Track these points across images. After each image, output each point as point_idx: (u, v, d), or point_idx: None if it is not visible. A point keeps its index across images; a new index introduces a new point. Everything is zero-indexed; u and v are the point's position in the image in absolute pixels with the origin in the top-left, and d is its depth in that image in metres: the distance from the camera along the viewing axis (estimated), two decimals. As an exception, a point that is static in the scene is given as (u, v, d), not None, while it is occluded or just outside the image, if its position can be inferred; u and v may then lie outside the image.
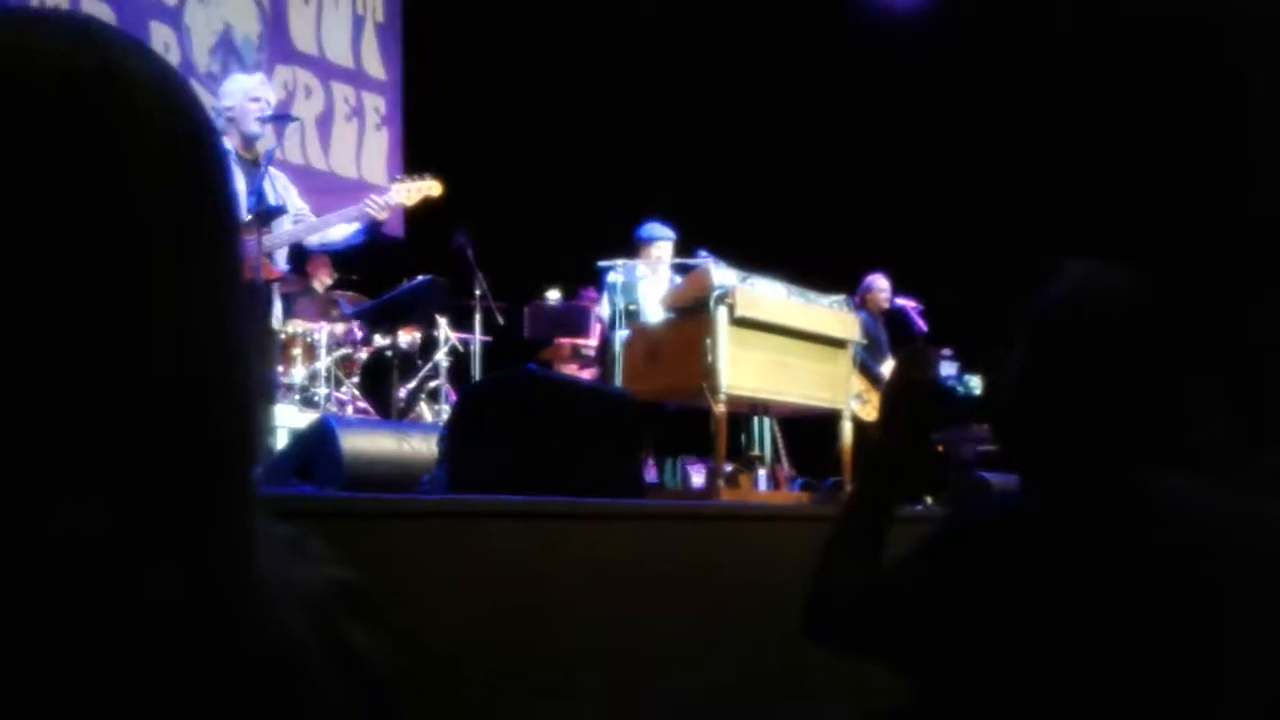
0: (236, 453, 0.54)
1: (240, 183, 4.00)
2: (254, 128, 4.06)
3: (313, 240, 4.28)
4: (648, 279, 5.64)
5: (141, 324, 0.50)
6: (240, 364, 0.55)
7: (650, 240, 5.73)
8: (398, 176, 4.45)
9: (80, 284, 0.48)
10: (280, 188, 4.14)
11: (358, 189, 7.06)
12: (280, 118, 4.20)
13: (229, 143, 4.05)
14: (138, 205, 0.51)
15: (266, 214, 3.96)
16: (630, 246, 5.78)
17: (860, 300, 6.64)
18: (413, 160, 8.39)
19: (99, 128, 0.50)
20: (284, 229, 4.11)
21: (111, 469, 0.48)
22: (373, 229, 4.24)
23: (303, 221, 4.22)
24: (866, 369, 6.25)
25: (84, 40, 0.53)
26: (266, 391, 3.95)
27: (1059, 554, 1.19)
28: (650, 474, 5.46)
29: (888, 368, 6.55)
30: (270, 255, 4.01)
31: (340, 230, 4.23)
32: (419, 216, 7.92)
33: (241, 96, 4.09)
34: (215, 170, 0.56)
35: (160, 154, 0.52)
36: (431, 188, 4.36)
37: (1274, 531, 1.21)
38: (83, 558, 0.46)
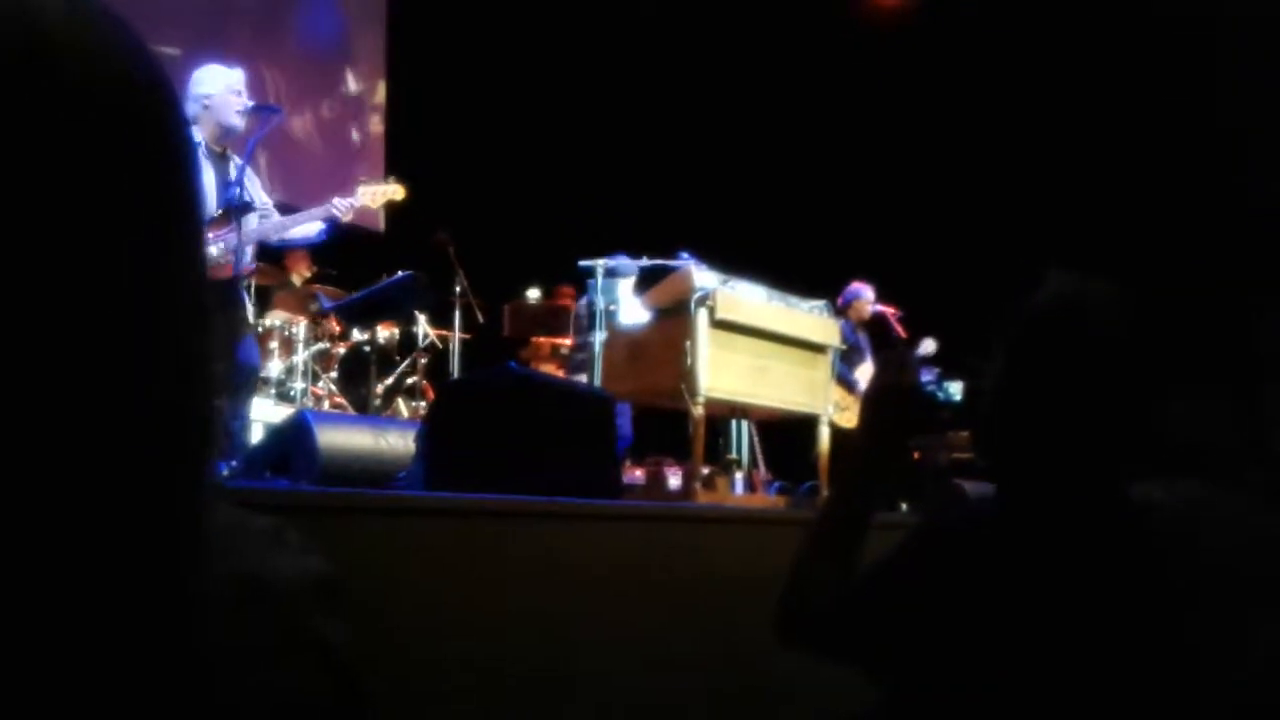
0: (186, 445, 0.51)
1: (209, 176, 3.95)
2: (234, 120, 4.00)
3: (273, 238, 4.26)
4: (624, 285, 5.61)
5: (79, 317, 0.46)
6: (194, 360, 0.51)
7: (609, 274, 5.64)
8: (363, 179, 4.46)
9: (14, 273, 0.44)
10: (247, 182, 4.09)
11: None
12: (264, 108, 4.16)
13: (199, 133, 3.98)
14: (82, 188, 0.46)
15: (237, 209, 3.91)
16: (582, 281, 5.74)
17: (843, 306, 6.64)
18: (395, 156, 8.37)
19: (24, 104, 0.45)
20: (251, 225, 4.07)
21: (63, 461, 0.45)
22: (333, 228, 4.25)
23: (269, 218, 4.18)
24: (843, 378, 6.26)
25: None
26: (227, 387, 3.90)
27: (1036, 561, 1.19)
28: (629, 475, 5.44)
29: (864, 373, 6.58)
30: (237, 251, 3.95)
31: (302, 229, 4.22)
32: (399, 212, 7.92)
33: (222, 87, 4.02)
34: (169, 149, 0.51)
35: (102, 132, 0.47)
36: (395, 191, 4.37)
37: (1259, 538, 1.21)
38: (32, 546, 0.44)
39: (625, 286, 5.57)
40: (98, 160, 0.47)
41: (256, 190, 4.19)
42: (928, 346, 6.60)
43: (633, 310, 5.29)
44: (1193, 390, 1.25)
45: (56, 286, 0.45)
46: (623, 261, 5.67)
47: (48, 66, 0.46)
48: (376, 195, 4.31)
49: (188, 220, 0.52)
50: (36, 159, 0.45)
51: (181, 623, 0.49)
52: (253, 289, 4.94)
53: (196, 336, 0.52)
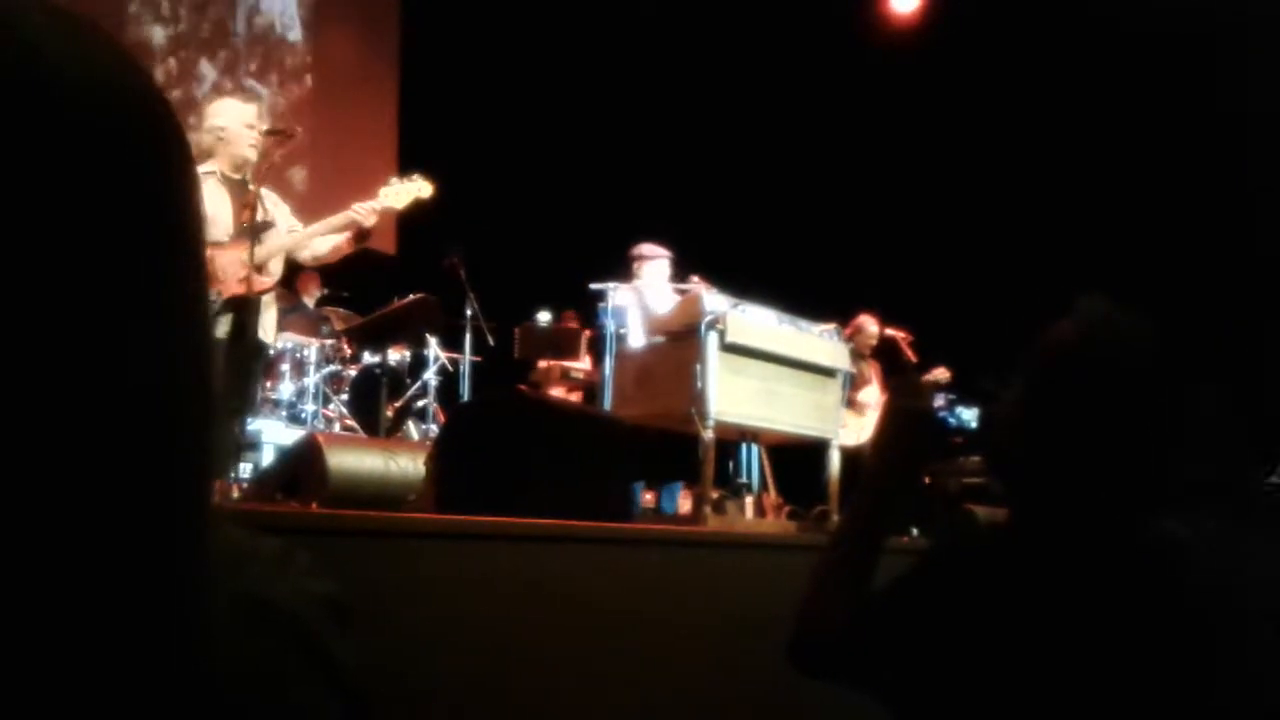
0: (191, 464, 0.50)
1: (226, 202, 3.97)
2: (247, 152, 4.04)
3: (305, 255, 4.24)
4: (640, 302, 5.62)
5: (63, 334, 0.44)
6: (182, 377, 0.50)
7: (639, 258, 5.69)
8: (388, 179, 4.42)
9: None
10: (270, 205, 4.11)
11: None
12: (279, 131, 4.18)
13: (216, 164, 4.02)
14: (71, 200, 0.44)
15: (254, 229, 3.91)
16: (624, 267, 5.75)
17: (846, 337, 6.63)
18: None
19: (7, 116, 0.43)
20: (278, 241, 4.07)
21: (73, 477, 0.45)
22: (361, 237, 4.19)
23: (295, 233, 4.18)
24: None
25: None
26: (227, 409, 3.86)
27: (1049, 589, 1.18)
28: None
29: (868, 395, 6.58)
30: (261, 267, 3.96)
31: (329, 241, 4.19)
32: (411, 233, 7.95)
33: (236, 120, 4.05)
34: (160, 155, 0.49)
35: (91, 141, 0.45)
36: (421, 188, 4.32)
37: (1272, 572, 1.20)
38: (36, 564, 0.44)
39: (656, 273, 5.55)
40: (86, 171, 0.46)
41: (283, 213, 4.20)
42: (941, 374, 6.59)
43: (665, 300, 5.28)
44: (1207, 421, 1.23)
45: (52, 303, 0.44)
46: (651, 248, 5.66)
47: (30, 77, 0.44)
48: (400, 194, 4.26)
49: (185, 233, 0.51)
50: (22, 172, 0.43)
51: (188, 644, 0.48)
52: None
53: (198, 351, 0.51)
